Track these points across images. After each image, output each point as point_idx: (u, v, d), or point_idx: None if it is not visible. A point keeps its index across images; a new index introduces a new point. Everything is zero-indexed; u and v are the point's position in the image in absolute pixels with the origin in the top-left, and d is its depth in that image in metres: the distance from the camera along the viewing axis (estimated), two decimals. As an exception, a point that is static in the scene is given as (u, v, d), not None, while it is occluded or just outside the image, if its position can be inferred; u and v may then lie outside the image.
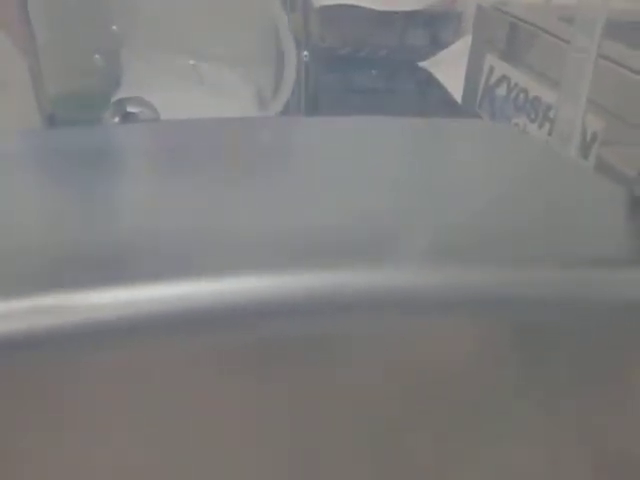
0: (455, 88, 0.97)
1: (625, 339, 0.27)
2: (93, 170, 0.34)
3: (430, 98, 1.15)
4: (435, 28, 1.27)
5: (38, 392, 0.23)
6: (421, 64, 1.16)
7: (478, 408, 0.27)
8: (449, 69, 1.07)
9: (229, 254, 0.26)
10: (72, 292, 0.23)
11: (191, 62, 0.96)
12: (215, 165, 0.36)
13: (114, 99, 0.69)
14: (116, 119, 0.48)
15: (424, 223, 0.30)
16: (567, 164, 0.43)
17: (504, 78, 0.73)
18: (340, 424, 0.26)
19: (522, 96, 0.69)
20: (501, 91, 0.74)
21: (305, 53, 0.84)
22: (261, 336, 0.24)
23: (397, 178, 0.35)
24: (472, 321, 0.26)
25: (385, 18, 1.26)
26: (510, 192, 0.34)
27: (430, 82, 1.12)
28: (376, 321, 0.25)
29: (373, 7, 1.21)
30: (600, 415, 0.28)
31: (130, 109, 0.48)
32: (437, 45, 1.23)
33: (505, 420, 0.27)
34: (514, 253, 0.28)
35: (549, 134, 0.62)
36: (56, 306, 0.23)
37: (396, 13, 1.24)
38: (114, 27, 0.92)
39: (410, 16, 1.26)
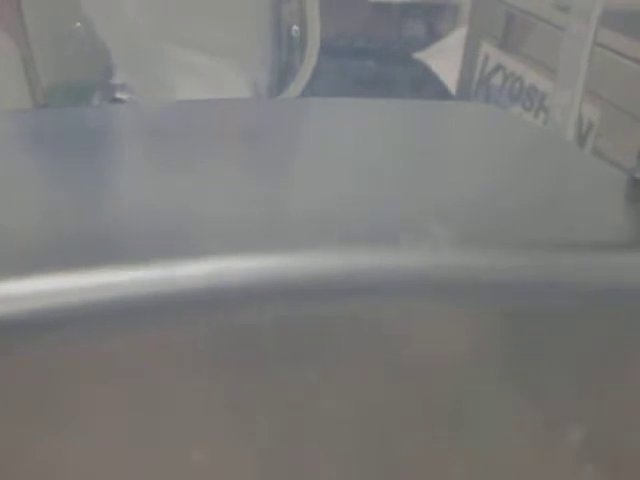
0: (449, 79, 0.96)
1: (625, 323, 0.26)
2: (81, 151, 0.33)
3: (425, 89, 1.14)
4: (431, 20, 1.27)
5: (17, 377, 0.23)
6: (416, 55, 1.15)
7: (475, 397, 0.27)
8: (444, 60, 1.06)
9: (218, 236, 0.26)
10: (64, 273, 0.23)
11: (187, 54, 0.96)
12: (228, 147, 0.35)
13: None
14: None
15: (423, 206, 0.29)
16: (564, 147, 0.42)
17: (499, 67, 0.73)
18: (332, 413, 0.26)
19: (518, 85, 0.69)
20: (496, 80, 0.73)
21: (295, 28, 0.83)
22: (255, 319, 0.24)
23: (397, 161, 0.34)
24: (470, 305, 0.25)
25: (381, 9, 1.26)
26: (506, 175, 0.33)
27: (425, 73, 1.12)
28: (370, 304, 0.25)
29: (369, -2, 1.21)
30: (600, 400, 0.27)
31: (119, 95, 0.48)
32: (433, 37, 1.22)
33: (504, 408, 0.27)
34: (512, 237, 0.27)
35: (544, 123, 0.61)
36: (41, 288, 0.22)
37: (392, 4, 1.24)
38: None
39: (406, 7, 1.26)
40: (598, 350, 0.27)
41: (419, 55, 1.16)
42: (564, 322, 0.26)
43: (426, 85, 1.14)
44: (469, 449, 0.28)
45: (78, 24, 0.82)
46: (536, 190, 0.32)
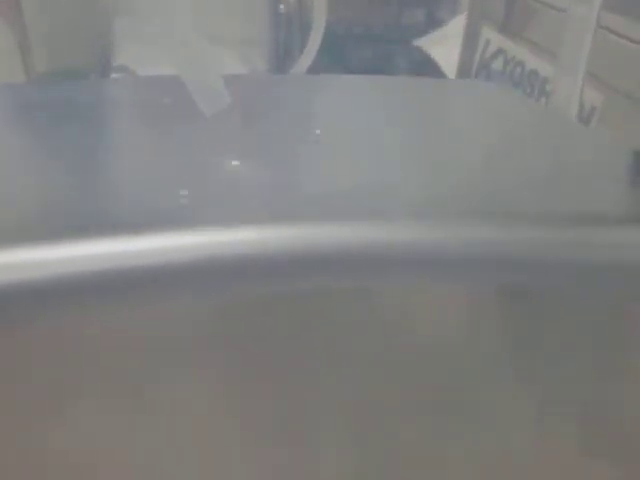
0: (449, 67, 0.95)
1: (626, 299, 0.26)
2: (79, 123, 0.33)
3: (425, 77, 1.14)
4: (431, 7, 1.26)
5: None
6: (416, 42, 1.14)
7: (476, 378, 0.26)
8: (444, 47, 1.05)
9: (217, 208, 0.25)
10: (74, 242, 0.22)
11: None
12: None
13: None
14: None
15: (422, 179, 0.29)
16: (567, 124, 0.42)
17: (500, 51, 0.72)
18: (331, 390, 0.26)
19: (519, 70, 0.68)
20: (497, 65, 0.73)
21: (281, 6, 0.82)
22: (257, 294, 0.24)
23: (400, 135, 0.34)
24: (469, 280, 0.25)
25: (380, -4, 1.25)
26: (510, 150, 0.33)
27: (425, 61, 1.11)
28: (367, 277, 0.24)
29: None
30: (600, 379, 0.27)
31: (114, 76, 0.47)
32: (433, 24, 1.21)
33: (503, 390, 0.27)
34: (513, 211, 0.27)
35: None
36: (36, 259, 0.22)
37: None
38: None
39: (406, -6, 1.25)
40: (599, 328, 0.26)
41: (419, 43, 1.15)
42: (565, 300, 0.26)
43: (426, 73, 1.13)
44: (469, 431, 0.27)
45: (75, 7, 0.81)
46: (540, 165, 0.32)
